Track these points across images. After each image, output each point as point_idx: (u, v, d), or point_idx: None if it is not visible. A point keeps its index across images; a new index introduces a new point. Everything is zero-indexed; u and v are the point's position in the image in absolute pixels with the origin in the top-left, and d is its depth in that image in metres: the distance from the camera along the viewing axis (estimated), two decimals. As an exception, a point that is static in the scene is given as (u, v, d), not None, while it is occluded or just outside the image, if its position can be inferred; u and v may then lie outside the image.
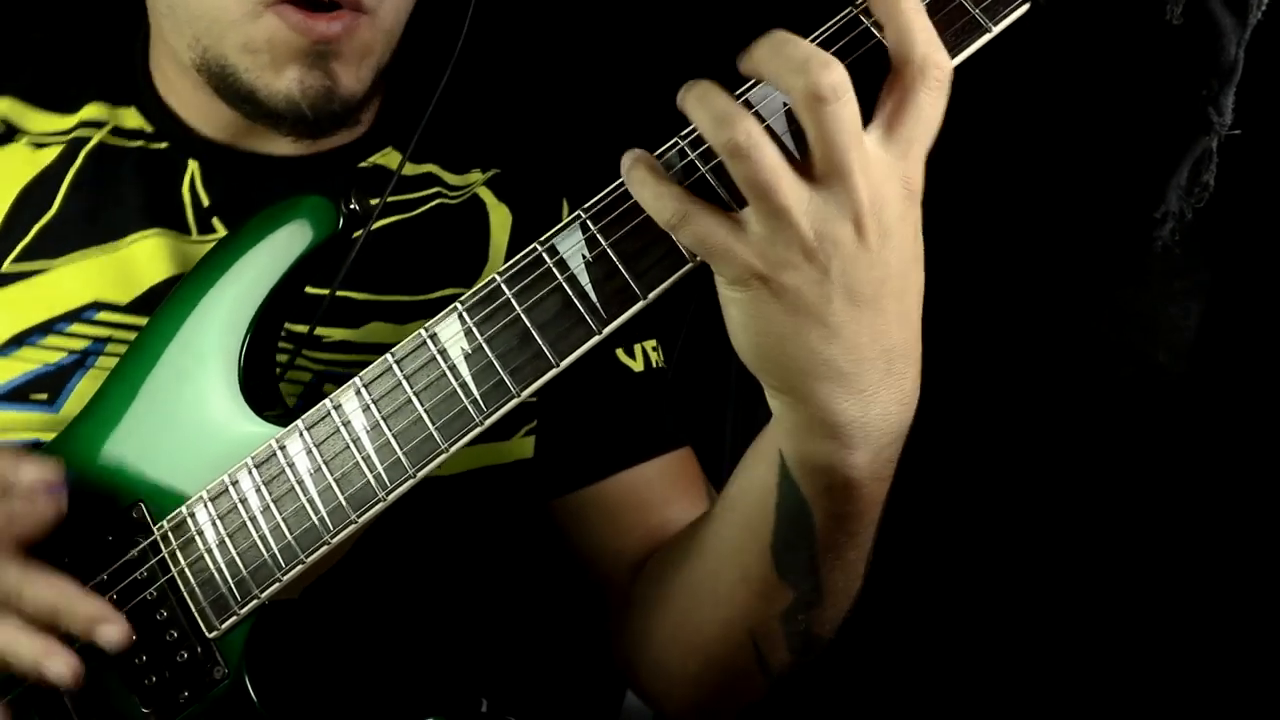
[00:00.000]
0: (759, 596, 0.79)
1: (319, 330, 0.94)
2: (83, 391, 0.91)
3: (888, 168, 0.63)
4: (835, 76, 0.60)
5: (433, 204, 1.02)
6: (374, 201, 0.89)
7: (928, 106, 0.64)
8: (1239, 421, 1.14)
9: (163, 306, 0.86)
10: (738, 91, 0.66)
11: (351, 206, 0.83)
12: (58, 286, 0.95)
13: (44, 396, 0.92)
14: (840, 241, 0.63)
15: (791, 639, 0.81)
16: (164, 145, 1.01)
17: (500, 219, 1.03)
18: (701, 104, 0.63)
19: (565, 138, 1.09)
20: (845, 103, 0.61)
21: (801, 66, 0.61)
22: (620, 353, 1.01)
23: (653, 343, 1.04)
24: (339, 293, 0.95)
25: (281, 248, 0.83)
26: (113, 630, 0.77)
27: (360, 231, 0.87)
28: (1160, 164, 0.99)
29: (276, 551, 0.77)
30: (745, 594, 0.80)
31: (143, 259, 0.96)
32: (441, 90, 0.93)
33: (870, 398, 0.67)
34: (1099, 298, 1.18)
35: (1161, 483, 1.18)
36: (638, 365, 1.01)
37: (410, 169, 1.03)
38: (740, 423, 1.30)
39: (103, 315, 0.94)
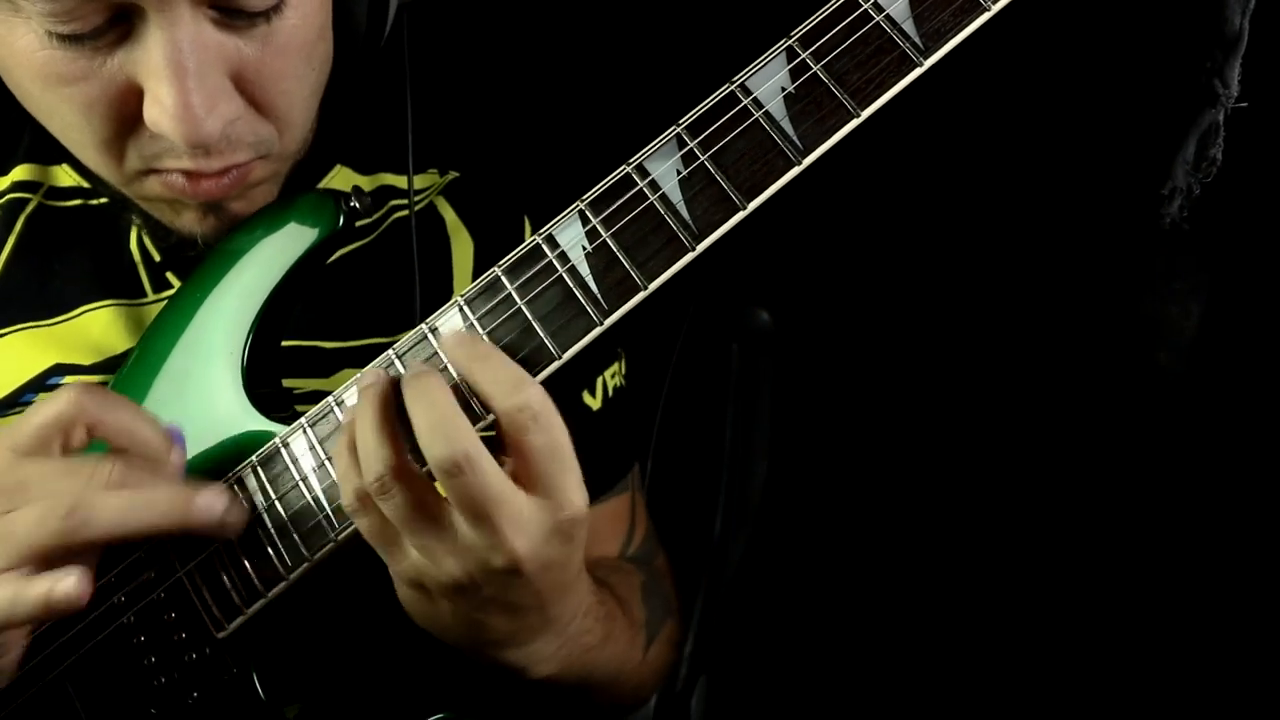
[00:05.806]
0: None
1: (289, 382, 0.90)
2: None
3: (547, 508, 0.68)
4: (534, 395, 0.66)
5: (390, 220, 0.98)
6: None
7: (540, 443, 0.67)
8: (1239, 421, 1.14)
9: (164, 311, 0.85)
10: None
11: (352, 205, 0.83)
12: (10, 354, 0.91)
13: None
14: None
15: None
16: (104, 201, 0.95)
17: (462, 246, 0.98)
18: (435, 429, 0.66)
19: (525, 143, 1.03)
20: (545, 423, 0.66)
21: (515, 389, 0.66)
22: (585, 394, 0.98)
23: (614, 368, 1.01)
24: (306, 343, 0.93)
25: (282, 247, 0.83)
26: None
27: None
28: (1166, 139, 0.97)
29: (283, 550, 0.77)
30: None
31: (96, 331, 0.92)
32: (388, 95, 0.91)
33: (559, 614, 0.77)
34: (1100, 299, 1.17)
35: (1162, 482, 1.18)
36: (596, 403, 0.99)
37: (361, 183, 0.99)
38: (740, 423, 1.30)
39: (69, 378, 0.90)
